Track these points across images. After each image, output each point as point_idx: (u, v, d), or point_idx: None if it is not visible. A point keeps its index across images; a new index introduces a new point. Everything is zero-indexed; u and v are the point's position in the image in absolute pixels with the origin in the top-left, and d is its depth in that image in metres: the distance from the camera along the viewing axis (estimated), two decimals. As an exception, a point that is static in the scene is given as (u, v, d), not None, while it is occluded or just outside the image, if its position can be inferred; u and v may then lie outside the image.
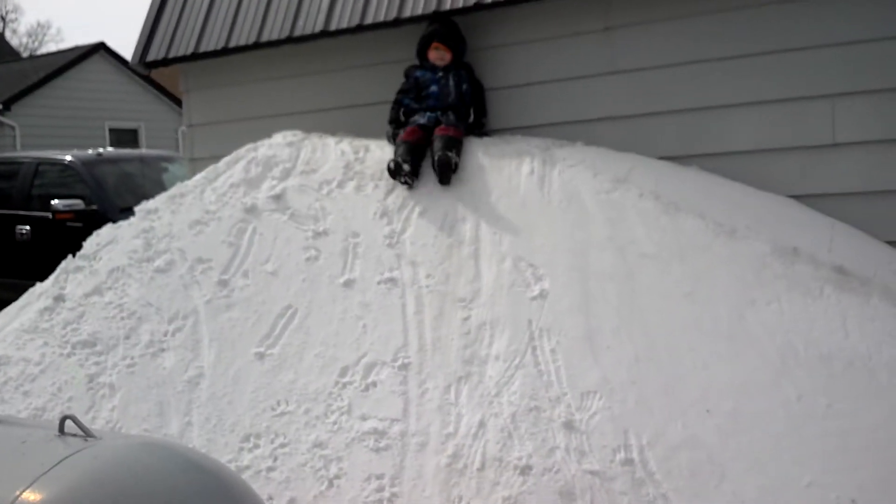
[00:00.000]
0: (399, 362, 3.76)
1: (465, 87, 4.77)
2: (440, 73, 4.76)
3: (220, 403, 3.68)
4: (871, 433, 3.26)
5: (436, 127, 4.64)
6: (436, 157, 4.40)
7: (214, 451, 3.47)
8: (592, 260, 3.92)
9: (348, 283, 4.11)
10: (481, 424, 3.52)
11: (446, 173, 4.40)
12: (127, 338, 4.03)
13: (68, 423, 2.02)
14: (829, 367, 3.40)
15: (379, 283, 4.08)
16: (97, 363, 3.91)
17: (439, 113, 4.73)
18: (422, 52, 4.85)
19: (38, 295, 4.46)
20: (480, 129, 4.84)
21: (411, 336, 3.84)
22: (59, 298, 4.30)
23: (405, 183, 4.45)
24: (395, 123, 4.87)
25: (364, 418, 3.58)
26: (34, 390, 3.84)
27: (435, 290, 3.99)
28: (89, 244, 4.65)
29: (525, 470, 3.36)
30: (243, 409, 3.65)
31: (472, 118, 4.84)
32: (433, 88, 4.75)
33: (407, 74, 4.89)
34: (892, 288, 3.61)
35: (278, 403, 3.66)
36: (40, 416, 3.71)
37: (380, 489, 3.30)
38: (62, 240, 7.66)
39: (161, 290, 4.24)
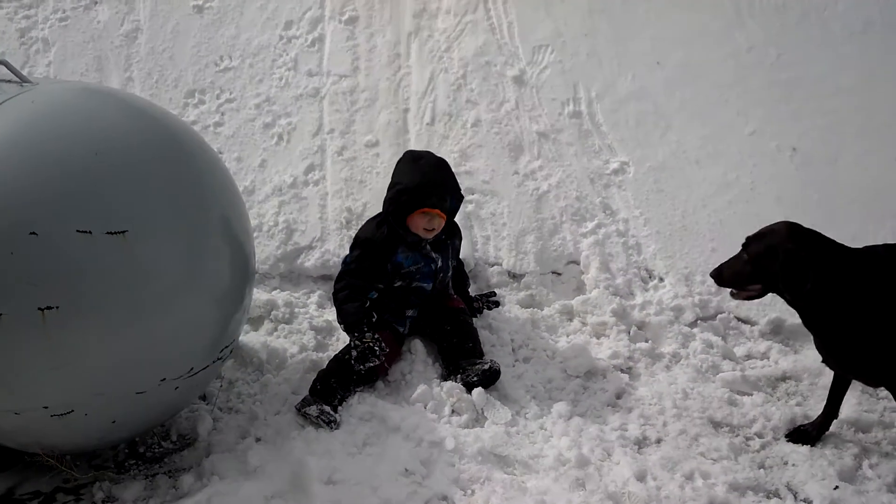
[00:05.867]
0: (346, 16, 3.63)
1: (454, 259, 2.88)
2: (434, 265, 2.72)
3: (161, 59, 3.55)
4: (817, 83, 3.30)
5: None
6: (486, 368, 2.57)
7: (159, 107, 3.41)
8: None
9: (288, -69, 3.84)
10: (431, 80, 3.48)
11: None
12: (55, -10, 3.79)
13: (2, 69, 1.90)
14: (783, 17, 3.37)
15: (322, -70, 3.81)
16: (27, 17, 3.70)
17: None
18: (399, 217, 2.65)
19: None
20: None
21: (357, -12, 3.67)
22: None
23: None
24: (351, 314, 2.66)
25: (311, 74, 3.50)
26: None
27: (381, -62, 3.75)
28: None
29: (475, 124, 3.37)
30: (185, 65, 3.53)
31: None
32: (426, 287, 2.72)
33: (364, 248, 2.67)
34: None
35: (221, 59, 3.55)
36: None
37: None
38: None
39: (85, -62, 3.93)
